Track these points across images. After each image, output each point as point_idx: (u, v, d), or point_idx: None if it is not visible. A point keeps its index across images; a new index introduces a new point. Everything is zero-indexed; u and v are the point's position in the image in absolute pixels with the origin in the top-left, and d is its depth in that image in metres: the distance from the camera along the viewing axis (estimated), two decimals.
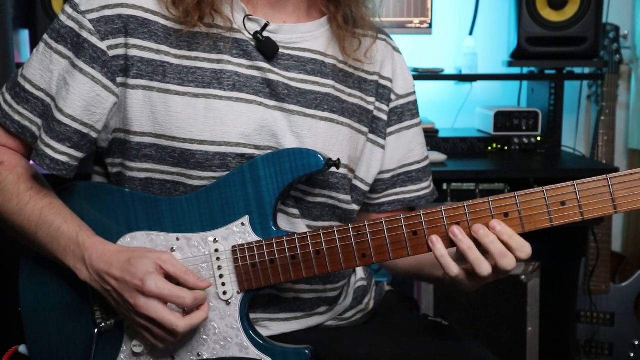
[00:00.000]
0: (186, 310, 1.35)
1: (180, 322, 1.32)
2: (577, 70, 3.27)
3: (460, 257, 1.32)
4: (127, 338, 1.44)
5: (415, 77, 1.68)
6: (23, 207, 1.42)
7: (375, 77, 1.59)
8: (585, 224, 2.93)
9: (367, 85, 1.57)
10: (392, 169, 1.64)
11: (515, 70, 3.30)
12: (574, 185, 1.27)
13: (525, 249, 1.29)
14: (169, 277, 1.35)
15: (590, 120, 3.55)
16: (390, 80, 1.61)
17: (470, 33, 3.41)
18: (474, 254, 1.30)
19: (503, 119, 3.12)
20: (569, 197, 1.28)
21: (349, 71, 1.55)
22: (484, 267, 1.29)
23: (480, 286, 1.35)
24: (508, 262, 1.29)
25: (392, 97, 1.61)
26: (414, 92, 1.66)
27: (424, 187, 1.68)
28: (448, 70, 3.28)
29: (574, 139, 3.54)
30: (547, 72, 3.18)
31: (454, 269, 1.32)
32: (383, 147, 1.60)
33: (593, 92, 3.47)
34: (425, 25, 3.18)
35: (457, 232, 1.31)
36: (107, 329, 1.44)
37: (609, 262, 3.29)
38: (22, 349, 1.51)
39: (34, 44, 2.86)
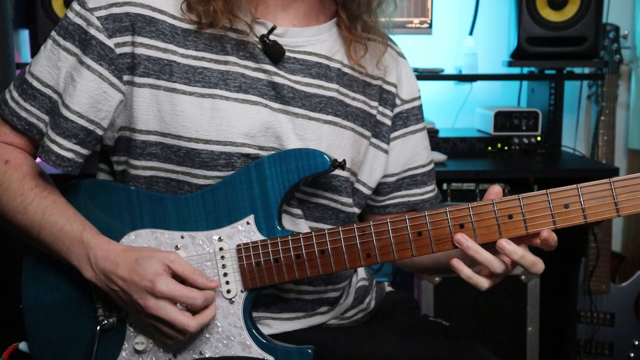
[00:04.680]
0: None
1: (192, 322, 1.33)
2: (577, 70, 3.28)
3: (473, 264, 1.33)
4: (129, 336, 1.44)
5: (415, 77, 1.68)
6: (27, 205, 1.42)
7: (379, 82, 1.59)
8: (585, 225, 2.93)
9: (370, 90, 1.58)
10: (397, 173, 1.64)
11: (515, 70, 3.31)
12: (578, 188, 1.28)
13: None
14: (176, 277, 1.35)
15: (590, 120, 3.56)
16: (395, 86, 1.62)
17: (470, 33, 3.42)
18: (483, 256, 1.31)
19: (503, 119, 3.12)
20: (573, 200, 1.28)
21: (353, 75, 1.55)
22: (497, 265, 1.31)
23: (498, 280, 1.36)
24: (538, 268, 1.33)
25: (397, 102, 1.62)
26: (419, 97, 1.67)
27: (429, 191, 1.69)
28: (448, 70, 3.29)
29: (574, 139, 3.54)
30: (547, 72, 3.19)
31: (484, 284, 1.33)
32: (386, 151, 1.61)
33: (593, 92, 3.47)
34: (425, 25, 3.18)
35: (462, 239, 1.31)
36: (110, 327, 1.44)
37: (609, 262, 3.30)
38: (23, 346, 1.51)
39: (34, 44, 2.85)
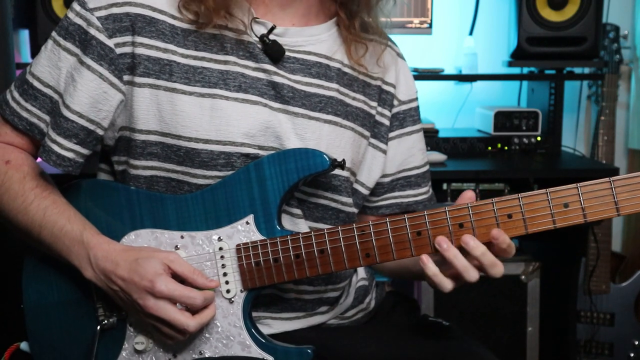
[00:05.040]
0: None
1: (191, 322, 1.33)
2: (577, 70, 3.28)
3: (444, 263, 1.33)
4: (129, 335, 1.44)
5: (415, 77, 1.69)
6: (27, 206, 1.42)
7: (378, 82, 1.60)
8: (585, 224, 2.93)
9: (370, 90, 1.58)
10: (391, 174, 1.64)
11: (515, 70, 3.30)
12: (577, 187, 1.28)
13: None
14: (176, 277, 1.35)
15: (590, 120, 3.56)
16: (394, 86, 1.62)
17: (470, 33, 3.42)
18: (460, 262, 1.31)
19: (503, 119, 3.12)
20: (572, 200, 1.28)
21: (353, 75, 1.55)
22: (472, 274, 1.32)
23: (460, 285, 1.37)
24: (497, 270, 1.33)
25: (395, 102, 1.62)
26: (417, 99, 1.67)
27: (423, 193, 1.68)
28: (448, 70, 3.28)
29: (574, 139, 3.54)
30: (547, 72, 3.19)
31: (447, 285, 1.34)
32: (384, 151, 1.61)
33: (593, 92, 3.47)
34: (425, 25, 3.18)
35: (443, 242, 1.32)
36: (110, 327, 1.44)
37: (609, 262, 3.30)
38: (24, 346, 1.51)
39: (34, 44, 2.86)
